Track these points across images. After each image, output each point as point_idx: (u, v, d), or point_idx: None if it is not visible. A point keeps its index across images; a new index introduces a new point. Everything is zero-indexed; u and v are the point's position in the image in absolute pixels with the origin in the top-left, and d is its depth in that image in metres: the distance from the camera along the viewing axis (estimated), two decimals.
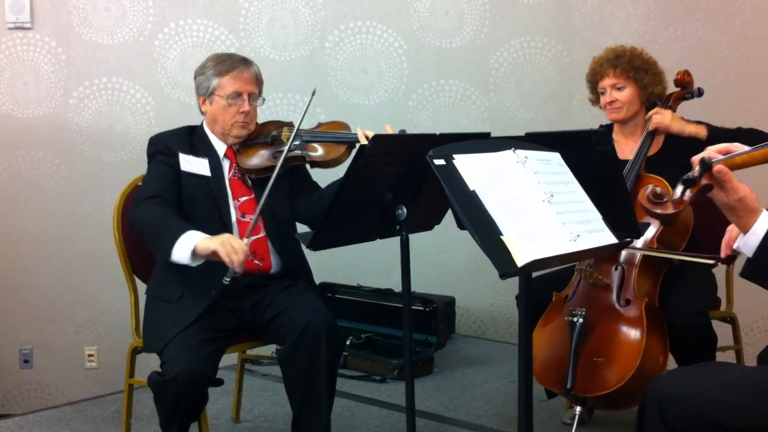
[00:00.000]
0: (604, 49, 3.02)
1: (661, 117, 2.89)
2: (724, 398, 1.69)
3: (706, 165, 1.61)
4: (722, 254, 1.92)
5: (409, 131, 2.65)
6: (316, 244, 2.09)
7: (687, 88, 3.02)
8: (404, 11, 4.35)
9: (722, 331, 2.90)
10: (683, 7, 4.03)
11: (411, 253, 2.14)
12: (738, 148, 1.66)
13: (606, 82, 2.95)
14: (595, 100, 3.05)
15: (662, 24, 4.07)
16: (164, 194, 2.57)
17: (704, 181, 1.63)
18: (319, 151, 2.75)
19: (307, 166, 2.83)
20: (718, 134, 2.80)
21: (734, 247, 1.68)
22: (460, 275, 4.39)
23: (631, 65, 2.91)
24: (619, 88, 2.93)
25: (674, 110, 3.02)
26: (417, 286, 4.09)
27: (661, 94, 2.97)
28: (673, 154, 2.85)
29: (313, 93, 2.62)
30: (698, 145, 2.73)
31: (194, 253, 2.37)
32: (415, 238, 2.20)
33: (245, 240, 2.43)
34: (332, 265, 4.14)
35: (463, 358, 4.11)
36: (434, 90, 4.41)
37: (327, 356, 2.47)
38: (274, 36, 4.28)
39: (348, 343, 3.99)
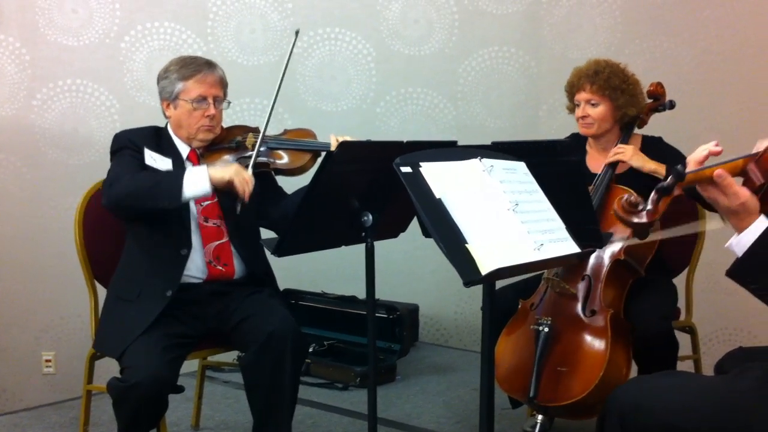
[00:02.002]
0: (587, 60, 3.00)
1: (622, 154, 2.87)
2: (685, 408, 1.71)
3: (679, 175, 1.63)
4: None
5: (376, 138, 2.65)
6: (281, 251, 2.08)
7: (659, 100, 3.03)
8: (374, 19, 4.36)
9: (682, 341, 2.93)
10: (649, 21, 4.09)
11: (376, 261, 2.14)
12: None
13: (581, 96, 2.94)
14: (572, 109, 3.05)
15: (628, 37, 4.12)
16: (134, 173, 2.53)
17: (677, 191, 1.66)
18: (284, 158, 2.73)
19: (272, 173, 2.81)
20: None
21: (726, 246, 1.70)
22: (424, 283, 4.39)
23: (608, 83, 2.88)
24: (593, 104, 2.91)
25: (646, 122, 3.05)
26: (381, 293, 4.05)
27: (635, 115, 2.96)
28: (640, 174, 2.86)
29: (297, 33, 2.62)
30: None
31: (210, 180, 2.40)
32: (380, 246, 2.20)
33: (250, 170, 2.49)
34: (297, 272, 4.11)
35: (426, 366, 4.11)
36: (402, 98, 4.42)
37: (291, 364, 2.46)
38: (242, 40, 4.26)
39: (311, 350, 3.97)
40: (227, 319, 2.59)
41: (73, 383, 4.00)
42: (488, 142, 2.11)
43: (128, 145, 2.62)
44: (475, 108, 4.41)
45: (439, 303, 4.45)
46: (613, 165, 2.88)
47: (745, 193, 1.62)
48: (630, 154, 2.84)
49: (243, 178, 2.42)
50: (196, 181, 2.40)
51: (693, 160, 1.70)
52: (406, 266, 4.34)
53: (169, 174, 2.47)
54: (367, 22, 4.36)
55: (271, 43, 4.29)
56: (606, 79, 2.89)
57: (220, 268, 2.64)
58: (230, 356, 2.86)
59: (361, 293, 3.95)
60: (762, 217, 1.63)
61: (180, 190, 2.39)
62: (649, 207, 1.67)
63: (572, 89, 2.99)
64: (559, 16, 4.27)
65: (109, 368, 2.54)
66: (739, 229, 1.65)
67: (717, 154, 1.69)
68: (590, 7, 4.20)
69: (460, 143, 2.14)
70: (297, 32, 2.62)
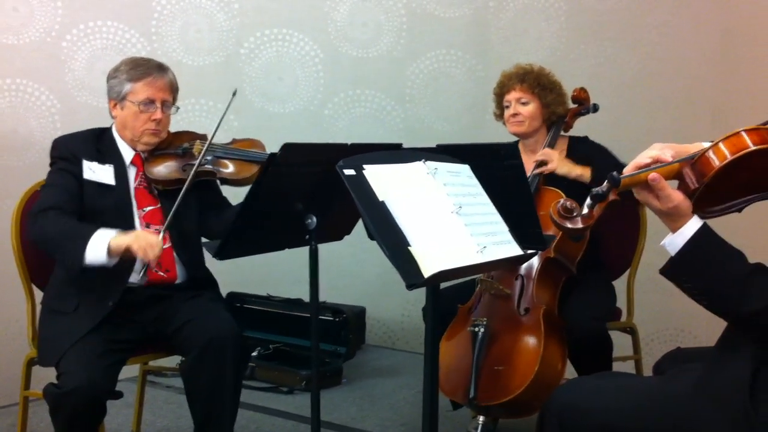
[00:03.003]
0: (513, 65, 3.10)
1: (550, 163, 2.92)
2: (622, 409, 1.73)
3: (615, 180, 1.65)
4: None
5: (324, 141, 2.64)
6: (223, 254, 2.06)
7: (583, 104, 3.13)
8: (321, 20, 4.34)
9: (623, 342, 2.97)
10: (594, 26, 4.15)
11: (323, 263, 2.13)
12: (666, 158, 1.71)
13: (512, 96, 3.03)
14: (500, 114, 3.12)
15: (574, 42, 4.17)
16: (63, 205, 2.48)
17: (612, 197, 1.68)
18: (230, 168, 2.71)
19: (217, 182, 2.78)
20: (600, 177, 2.87)
21: (660, 244, 1.73)
22: (372, 285, 4.39)
23: (537, 82, 3.01)
24: (523, 103, 3.01)
25: (571, 125, 3.12)
26: (328, 296, 4.08)
27: (562, 114, 3.07)
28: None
29: (234, 94, 2.58)
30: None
31: (109, 252, 2.32)
32: (327, 248, 2.18)
33: (160, 235, 2.40)
34: (243, 275, 4.08)
35: (372, 369, 4.11)
36: (351, 100, 4.41)
37: (232, 368, 2.43)
38: (187, 40, 4.21)
39: (255, 354, 3.94)
40: (167, 323, 2.55)
41: (10, 389, 3.88)
42: (435, 145, 2.12)
43: (66, 156, 2.57)
44: (423, 111, 4.42)
45: (386, 305, 4.45)
46: (540, 165, 2.93)
47: (678, 197, 1.65)
48: (556, 163, 2.91)
49: (143, 244, 2.31)
50: (97, 249, 2.33)
51: (635, 164, 1.72)
52: (353, 269, 4.33)
53: (81, 234, 2.37)
54: (315, 24, 4.34)
55: (217, 43, 4.24)
56: (535, 78, 3.02)
57: (162, 273, 2.60)
58: (172, 361, 2.82)
59: (306, 295, 3.91)
60: (695, 218, 1.67)
61: (82, 256, 2.33)
62: (584, 212, 1.70)
63: (502, 90, 3.09)
64: (505, 20, 4.31)
65: (47, 374, 2.48)
66: (673, 230, 1.68)
67: (664, 161, 1.71)
68: (536, 12, 4.25)
69: (408, 146, 2.13)
70: (234, 92, 2.59)
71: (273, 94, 4.36)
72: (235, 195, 2.74)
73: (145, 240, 2.32)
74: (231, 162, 2.71)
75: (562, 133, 3.10)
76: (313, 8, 4.32)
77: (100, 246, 2.32)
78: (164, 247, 2.58)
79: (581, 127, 3.17)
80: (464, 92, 4.39)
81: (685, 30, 3.96)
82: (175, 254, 2.64)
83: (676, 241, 1.68)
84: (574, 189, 2.73)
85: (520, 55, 4.18)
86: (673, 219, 1.67)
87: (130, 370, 2.69)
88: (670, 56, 4.00)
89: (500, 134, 3.23)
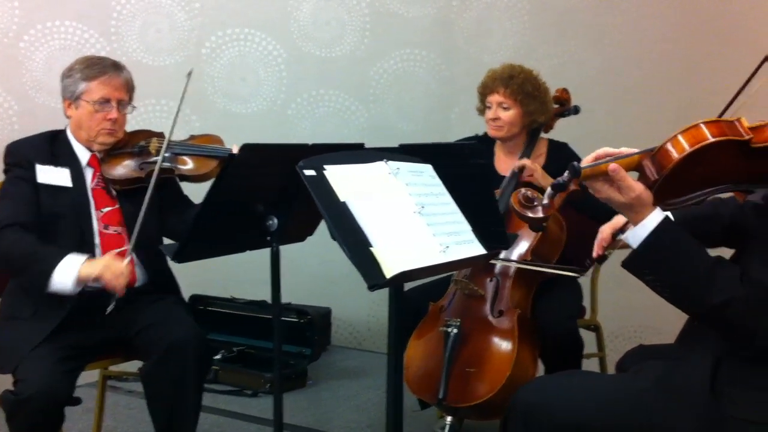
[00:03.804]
0: (502, 64, 3.04)
1: (531, 172, 2.88)
2: (586, 406, 1.74)
3: (575, 170, 1.65)
4: (594, 254, 1.99)
5: (288, 141, 2.61)
6: (182, 256, 2.03)
7: (564, 106, 3.10)
8: (284, 20, 4.31)
9: (587, 339, 2.98)
10: (557, 26, 4.16)
11: (289, 264, 2.11)
12: (621, 152, 1.71)
13: (494, 98, 2.97)
14: (482, 110, 3.07)
15: (537, 41, 4.19)
16: (21, 220, 2.42)
17: (573, 186, 1.68)
18: (189, 164, 2.67)
19: (178, 180, 2.74)
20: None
21: (621, 237, 1.74)
22: (337, 286, 4.36)
23: (521, 89, 2.93)
24: (505, 108, 2.95)
25: (552, 126, 3.10)
26: (293, 297, 4.05)
27: (543, 123, 3.01)
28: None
29: (190, 73, 2.51)
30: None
31: (77, 280, 2.29)
32: (292, 249, 2.16)
33: (126, 260, 2.36)
34: (206, 277, 4.03)
35: (338, 370, 4.09)
36: (314, 99, 4.38)
37: (193, 372, 2.40)
38: (147, 40, 4.15)
39: (219, 356, 3.90)
40: (127, 328, 2.51)
41: None
42: (398, 145, 2.10)
43: (20, 163, 2.52)
44: (388, 110, 4.41)
45: (352, 306, 4.43)
46: (520, 170, 2.92)
47: (639, 187, 1.65)
48: (539, 174, 2.87)
49: (113, 272, 2.30)
50: (65, 277, 2.30)
51: (594, 155, 1.72)
52: (319, 270, 4.30)
53: (47, 258, 2.33)
54: (278, 23, 4.31)
55: (177, 43, 4.19)
56: (520, 84, 2.94)
57: None
58: (134, 366, 2.77)
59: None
60: (657, 210, 1.67)
61: (47, 282, 2.30)
62: (545, 202, 1.70)
63: (485, 90, 3.03)
64: (469, 19, 4.31)
65: (4, 380, 2.42)
66: (635, 222, 1.68)
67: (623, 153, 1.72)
68: (500, 12, 4.25)
69: (372, 146, 2.11)
70: (190, 72, 2.53)
71: (235, 94, 4.31)
72: (197, 192, 2.70)
73: (113, 270, 2.31)
74: (190, 158, 2.67)
75: (542, 134, 3.08)
76: (275, 7, 4.29)
77: (68, 273, 2.30)
78: (123, 249, 2.55)
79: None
80: (429, 92, 4.39)
81: (646, 28, 4.00)
82: (134, 257, 2.59)
83: (638, 233, 1.68)
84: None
85: (485, 54, 4.20)
86: (635, 210, 1.67)
87: (90, 375, 2.63)
88: (631, 54, 4.03)
89: (465, 133, 3.22)
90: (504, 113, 2.96)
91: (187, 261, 2.04)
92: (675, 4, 3.95)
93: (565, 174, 1.67)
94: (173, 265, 2.70)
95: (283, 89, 4.36)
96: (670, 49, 3.94)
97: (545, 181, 2.86)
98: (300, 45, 4.33)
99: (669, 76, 3.94)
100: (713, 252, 1.72)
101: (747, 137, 1.61)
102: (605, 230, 2.11)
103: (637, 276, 1.71)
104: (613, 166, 1.65)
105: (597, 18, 4.08)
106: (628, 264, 1.70)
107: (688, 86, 3.89)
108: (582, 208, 1.83)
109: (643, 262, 1.69)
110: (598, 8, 4.08)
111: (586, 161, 1.72)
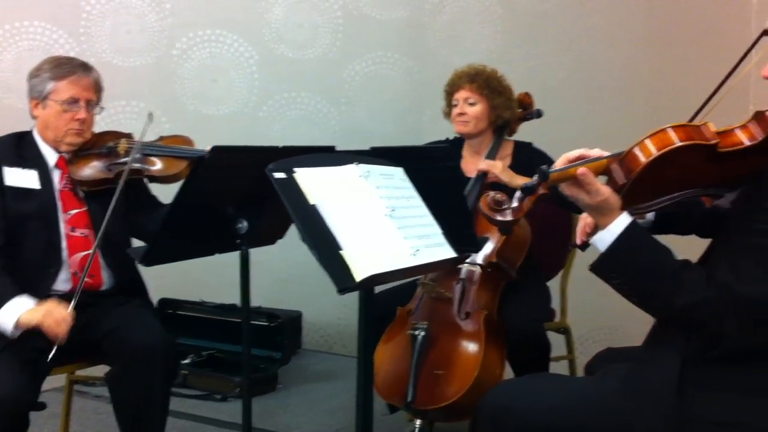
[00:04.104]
0: (467, 65, 3.08)
1: (491, 167, 2.86)
2: (555, 408, 1.74)
3: (544, 174, 1.66)
4: (578, 241, 1.99)
5: (260, 143, 2.59)
6: (149, 260, 2.00)
7: (527, 110, 3.14)
8: (256, 21, 4.29)
9: (556, 342, 3.00)
10: (527, 30, 4.19)
11: (259, 268, 2.10)
12: (593, 154, 1.72)
13: (460, 95, 3.02)
14: (448, 113, 3.10)
15: (508, 45, 4.21)
16: None
17: (542, 190, 1.69)
18: (158, 165, 2.64)
19: (146, 180, 2.71)
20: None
21: (590, 240, 1.75)
22: (308, 289, 4.34)
23: (487, 84, 2.99)
24: (471, 103, 3.00)
25: (515, 130, 3.12)
26: (264, 300, 4.02)
27: (508, 119, 3.05)
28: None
29: (150, 115, 2.52)
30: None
31: (16, 325, 2.27)
32: (262, 252, 2.14)
33: (70, 306, 2.33)
34: (175, 280, 3.99)
35: (309, 374, 4.07)
36: (286, 102, 4.37)
37: (160, 377, 2.37)
38: (117, 41, 4.11)
39: (188, 361, 3.87)
40: (93, 332, 2.48)
41: None
42: (369, 148, 2.09)
43: None
44: (360, 113, 4.40)
45: (322, 309, 4.41)
46: (485, 173, 2.93)
47: (606, 190, 1.67)
48: (500, 169, 2.89)
49: (54, 320, 2.29)
50: (5, 319, 2.29)
51: (564, 158, 1.73)
52: (289, 273, 4.28)
53: None
54: (250, 25, 4.29)
55: (148, 44, 4.16)
56: (485, 80, 3.00)
57: (87, 279, 2.52)
58: (101, 370, 2.74)
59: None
60: (624, 214, 1.69)
61: None
62: (513, 205, 1.71)
63: (452, 89, 3.07)
64: (442, 22, 4.32)
65: None
66: (602, 226, 1.70)
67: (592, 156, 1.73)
68: (472, 15, 4.27)
69: (344, 148, 2.10)
70: (150, 114, 2.54)
71: (207, 96, 4.29)
72: (166, 193, 2.68)
73: (55, 317, 2.28)
74: (159, 159, 2.65)
75: (506, 137, 3.10)
76: (247, 8, 4.27)
77: (10, 317, 2.28)
78: (89, 251, 2.51)
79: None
80: (401, 94, 4.39)
81: (616, 32, 4.03)
82: (101, 259, 2.56)
83: (605, 237, 1.69)
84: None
85: (457, 57, 4.19)
86: (602, 213, 1.69)
87: (57, 380, 2.59)
88: (602, 58, 4.07)
89: (437, 136, 3.23)
90: (470, 108, 3.00)
91: (155, 264, 2.02)
92: (645, 9, 3.99)
93: (534, 177, 1.68)
94: (142, 269, 2.67)
95: (255, 91, 4.34)
96: (640, 54, 3.98)
97: (511, 179, 2.89)
98: (272, 47, 4.32)
99: (639, 80, 3.98)
100: (687, 240, 1.73)
101: (713, 142, 1.62)
102: (587, 216, 2.08)
103: (604, 280, 1.72)
104: (581, 170, 1.66)
105: (568, 23, 4.11)
106: (596, 268, 1.72)
107: (658, 90, 3.93)
108: (565, 203, 1.84)
109: (610, 266, 1.70)
110: (570, 13, 4.11)
111: (558, 163, 1.72)
